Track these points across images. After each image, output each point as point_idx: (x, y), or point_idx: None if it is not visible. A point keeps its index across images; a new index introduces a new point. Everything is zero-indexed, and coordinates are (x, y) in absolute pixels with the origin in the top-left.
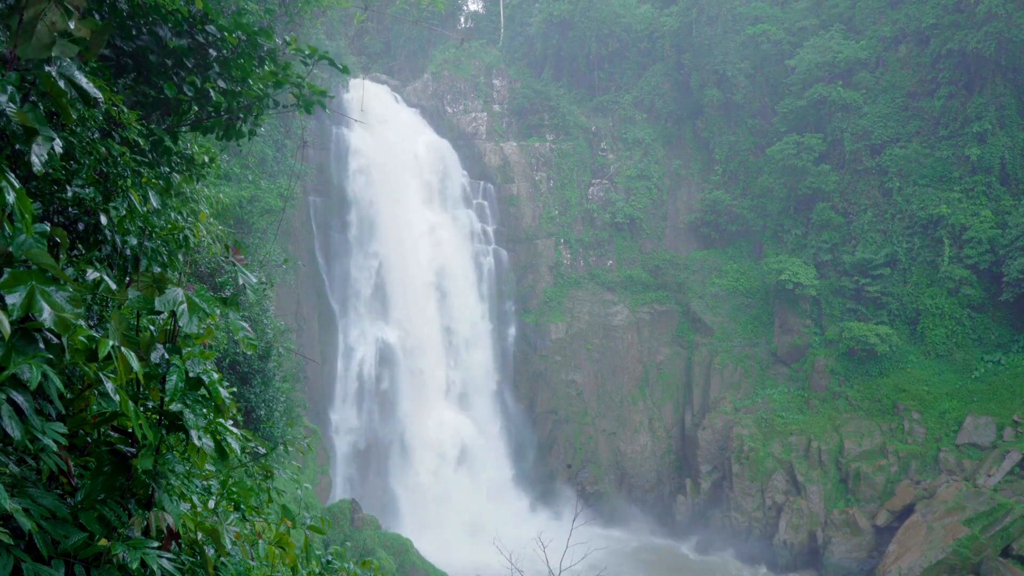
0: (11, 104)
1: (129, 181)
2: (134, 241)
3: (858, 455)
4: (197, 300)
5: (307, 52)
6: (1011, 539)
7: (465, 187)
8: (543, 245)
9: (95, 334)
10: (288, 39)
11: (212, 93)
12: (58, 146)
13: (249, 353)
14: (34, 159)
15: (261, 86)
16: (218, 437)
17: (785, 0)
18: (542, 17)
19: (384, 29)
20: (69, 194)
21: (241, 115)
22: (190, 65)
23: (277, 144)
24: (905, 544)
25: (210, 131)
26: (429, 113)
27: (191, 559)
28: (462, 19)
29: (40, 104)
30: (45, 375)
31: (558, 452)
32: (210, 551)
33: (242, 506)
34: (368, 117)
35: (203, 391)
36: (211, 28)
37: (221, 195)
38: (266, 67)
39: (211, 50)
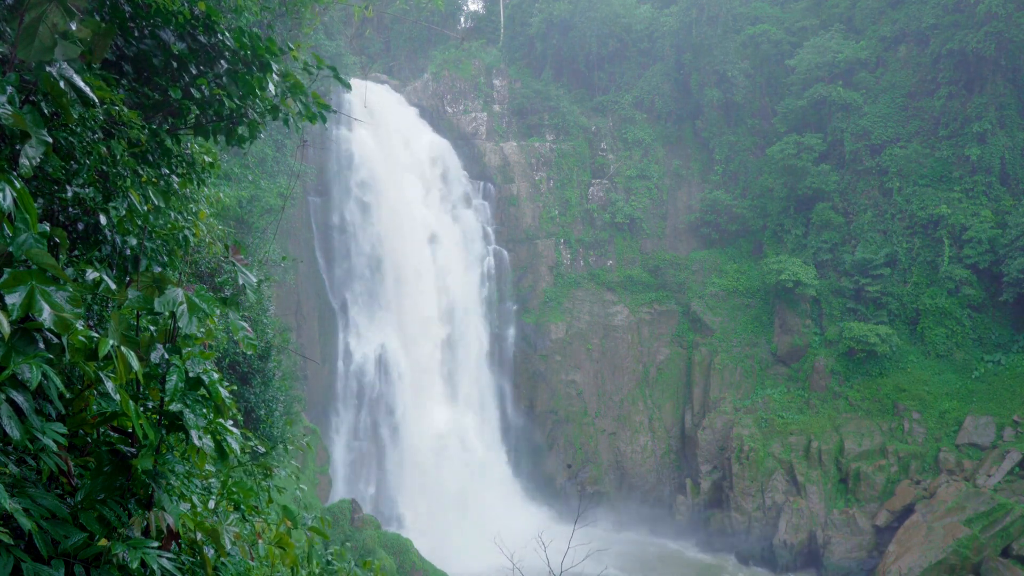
0: (8, 106)
1: (129, 181)
2: (134, 241)
3: (858, 455)
4: (197, 300)
5: (312, 62)
6: (1011, 539)
7: (465, 187)
8: (543, 245)
9: (95, 334)
10: (292, 46)
11: (223, 100)
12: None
13: (249, 353)
14: (23, 160)
15: (264, 95)
16: (218, 437)
17: (785, 0)
18: (542, 17)
19: (384, 29)
20: (69, 194)
21: (244, 120)
22: (194, 71)
23: (277, 144)
24: (905, 544)
25: (211, 134)
26: (429, 113)
27: (191, 559)
28: (462, 19)
29: (43, 104)
30: (45, 375)
31: (558, 452)
32: (210, 551)
33: (242, 506)
34: (368, 117)
35: (203, 391)
36: (222, 37)
37: (221, 195)
38: (271, 76)
39: (219, 59)
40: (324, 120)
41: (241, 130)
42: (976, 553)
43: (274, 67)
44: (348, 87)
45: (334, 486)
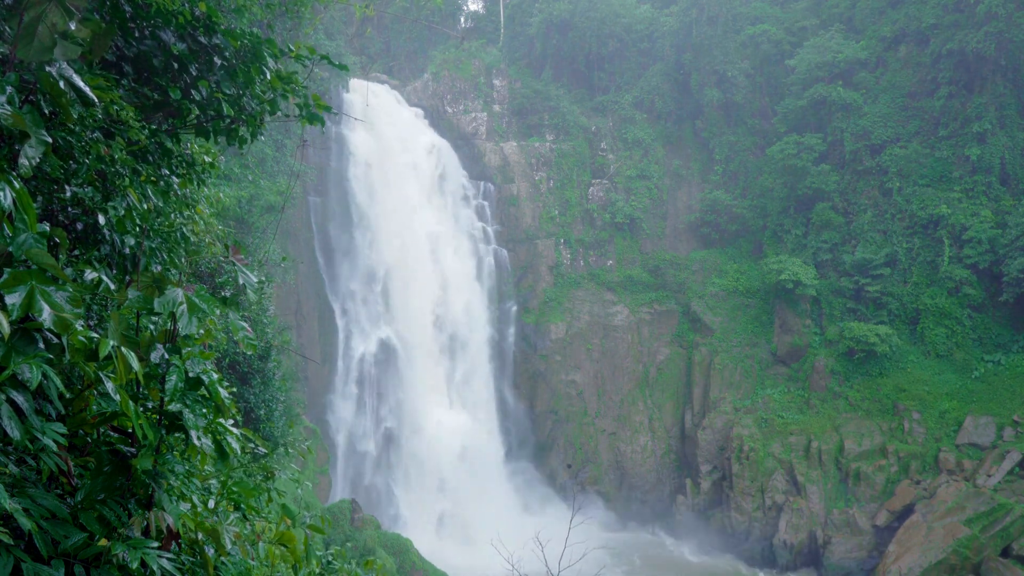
0: (8, 106)
1: (128, 180)
2: (132, 241)
3: (858, 455)
4: (197, 300)
5: (307, 54)
6: (1011, 539)
7: (465, 187)
8: (543, 245)
9: (95, 334)
10: (292, 46)
11: (221, 101)
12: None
13: (249, 353)
14: (23, 160)
15: (264, 93)
16: (218, 437)
17: (785, 0)
18: (542, 17)
19: (384, 29)
20: (68, 194)
21: (243, 119)
22: (194, 71)
23: (277, 144)
24: (905, 544)
25: (211, 135)
26: (429, 113)
27: (191, 559)
28: (462, 19)
29: (42, 104)
30: (45, 375)
31: (558, 452)
32: (210, 551)
33: (242, 506)
34: (368, 117)
35: (203, 391)
36: (219, 37)
37: (221, 195)
38: (270, 75)
39: (216, 57)
40: (323, 123)
41: (242, 131)
42: (976, 553)
43: (269, 61)
44: (345, 69)
45: (334, 486)
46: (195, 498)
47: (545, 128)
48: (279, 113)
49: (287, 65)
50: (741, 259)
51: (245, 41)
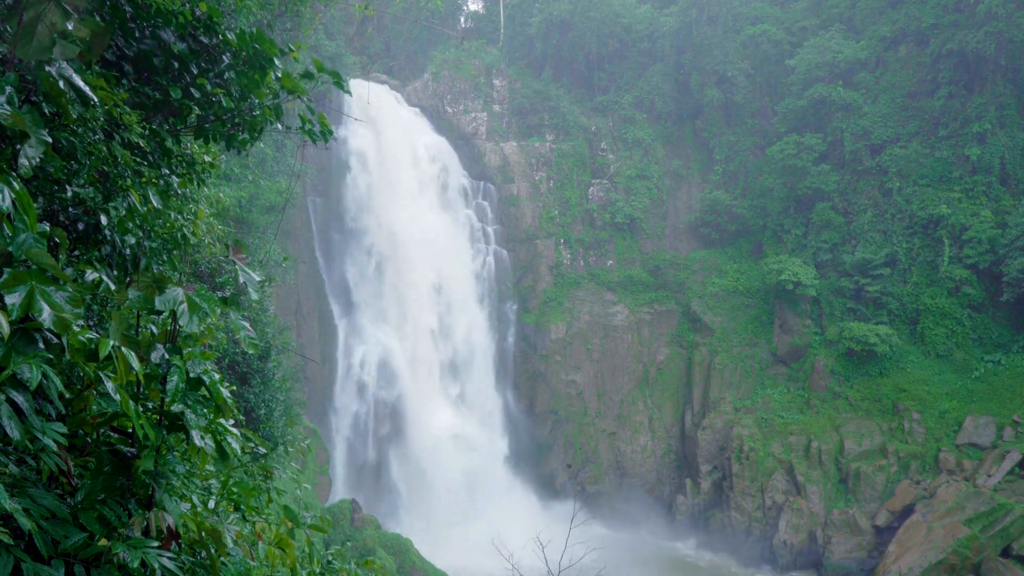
0: (7, 106)
1: (129, 181)
2: (133, 241)
3: (858, 455)
4: (197, 300)
5: (312, 66)
6: (1011, 539)
7: (465, 187)
8: (543, 245)
9: (95, 334)
10: (292, 47)
11: (222, 99)
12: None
13: (250, 352)
14: (23, 160)
15: (266, 95)
16: (218, 438)
17: (785, 0)
18: (542, 17)
19: (384, 29)
20: (69, 194)
21: (243, 122)
22: (195, 70)
23: (277, 144)
24: (905, 544)
25: (211, 137)
26: (429, 113)
27: (191, 559)
28: (462, 19)
29: (42, 104)
30: (45, 375)
31: (558, 452)
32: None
33: (242, 506)
34: (368, 117)
35: (204, 391)
36: (223, 37)
37: (221, 195)
38: (274, 69)
39: (223, 55)
40: (326, 140)
41: (241, 136)
42: (976, 553)
43: (276, 62)
44: (349, 94)
45: (334, 486)
46: (195, 498)
47: (545, 128)
48: (280, 124)
49: (286, 65)
50: (741, 259)
51: (247, 41)
